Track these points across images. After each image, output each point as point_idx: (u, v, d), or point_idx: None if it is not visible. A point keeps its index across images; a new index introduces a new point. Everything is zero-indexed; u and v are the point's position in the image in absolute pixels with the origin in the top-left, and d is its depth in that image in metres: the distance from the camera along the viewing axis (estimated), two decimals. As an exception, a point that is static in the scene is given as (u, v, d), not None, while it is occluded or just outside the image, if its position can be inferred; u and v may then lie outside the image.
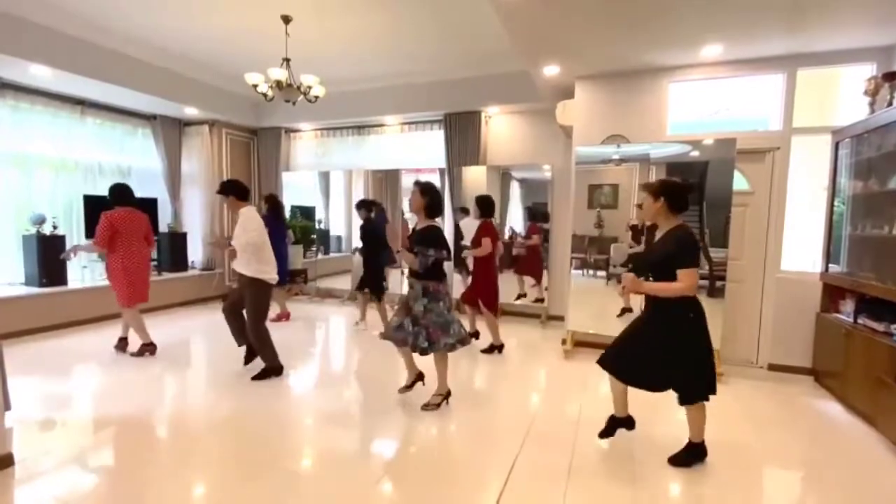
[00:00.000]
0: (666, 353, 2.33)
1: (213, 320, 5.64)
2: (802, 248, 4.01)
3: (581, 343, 4.53)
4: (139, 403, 3.17)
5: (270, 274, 3.60)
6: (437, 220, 3.04)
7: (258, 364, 3.68)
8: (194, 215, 6.85)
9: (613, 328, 4.31)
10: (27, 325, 4.70)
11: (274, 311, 5.66)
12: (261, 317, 3.62)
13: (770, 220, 4.02)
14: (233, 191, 3.63)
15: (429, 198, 2.94)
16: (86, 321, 5.17)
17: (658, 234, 2.43)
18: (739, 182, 4.05)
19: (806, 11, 3.11)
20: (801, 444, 2.84)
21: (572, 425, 2.92)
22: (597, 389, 3.55)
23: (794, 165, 3.93)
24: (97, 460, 2.49)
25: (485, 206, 4.40)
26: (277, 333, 5.06)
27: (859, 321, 3.28)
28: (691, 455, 2.47)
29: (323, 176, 7.68)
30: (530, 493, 2.22)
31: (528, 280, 5.93)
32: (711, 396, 2.39)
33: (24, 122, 5.13)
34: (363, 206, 5.14)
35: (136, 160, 6.33)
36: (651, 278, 2.37)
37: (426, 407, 3.08)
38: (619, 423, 2.66)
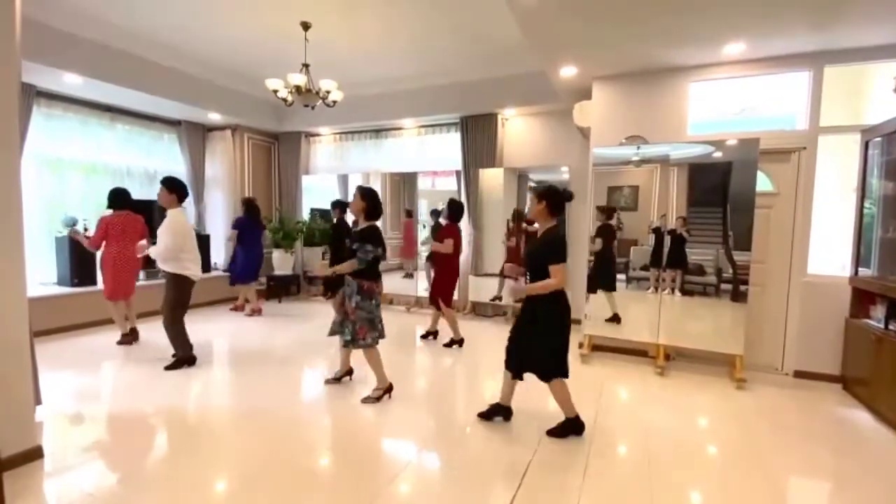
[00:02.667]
0: (530, 340, 2.67)
1: (235, 320, 5.77)
2: (830, 251, 3.88)
3: (598, 347, 4.48)
4: (164, 400, 3.26)
5: (191, 270, 3.76)
6: (377, 222, 3.24)
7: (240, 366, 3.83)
8: (217, 218, 7.03)
9: (632, 332, 4.26)
10: (59, 323, 4.90)
11: (247, 306, 6.05)
12: (175, 309, 3.78)
13: (796, 222, 3.90)
14: (177, 189, 3.75)
15: (368, 201, 3.17)
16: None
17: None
18: (763, 183, 3.95)
19: (833, 6, 3.02)
20: (828, 454, 2.74)
21: (588, 428, 2.88)
22: (613, 394, 3.50)
23: (822, 166, 3.81)
24: (124, 454, 2.57)
25: (452, 209, 4.62)
26: (287, 332, 5.18)
27: (891, 327, 3.16)
28: (566, 429, 2.74)
29: (341, 179, 7.78)
30: (544, 495, 2.20)
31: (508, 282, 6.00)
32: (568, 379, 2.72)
33: (57, 128, 5.36)
34: (336, 205, 5.34)
35: (162, 164, 6.52)
36: (528, 273, 2.72)
37: (366, 400, 3.23)
38: (499, 409, 2.95)
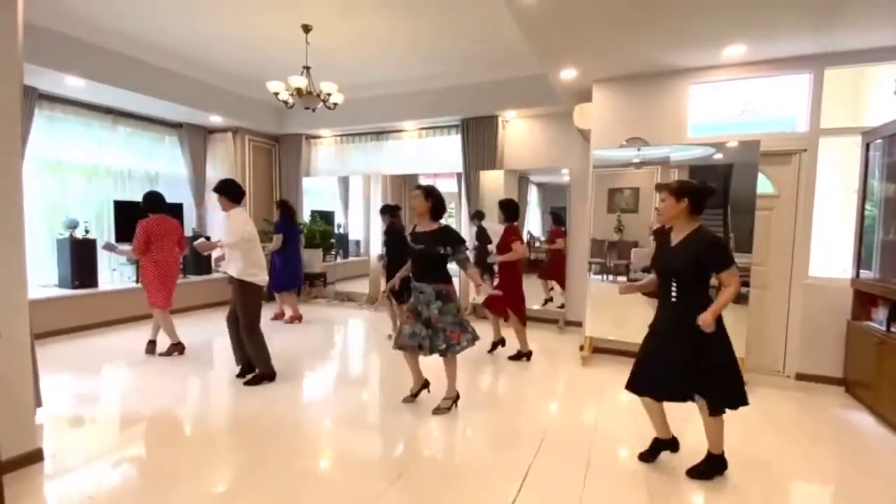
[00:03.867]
0: (699, 362, 2.25)
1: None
2: (832, 254, 3.87)
3: (599, 349, 4.47)
4: (164, 402, 3.26)
5: (259, 276, 3.57)
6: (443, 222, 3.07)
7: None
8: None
9: (633, 335, 4.22)
10: (60, 325, 4.90)
11: (286, 313, 5.85)
12: (253, 319, 3.59)
13: (797, 225, 3.89)
14: (225, 191, 3.57)
15: (434, 201, 2.98)
16: (115, 322, 5.36)
17: (674, 238, 2.37)
18: (764, 185, 3.94)
19: (833, 9, 3.02)
20: (831, 457, 2.72)
21: (588, 433, 2.88)
22: (614, 397, 3.49)
23: (823, 168, 3.80)
24: (123, 457, 2.56)
25: (510, 210, 4.32)
26: (291, 335, 5.18)
27: (892, 329, 3.15)
28: (711, 467, 2.39)
29: (342, 181, 7.80)
30: (546, 497, 2.19)
31: (551, 284, 5.90)
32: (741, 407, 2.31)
33: (59, 130, 5.38)
34: (387, 211, 5.11)
35: (163, 166, 6.55)
36: (675, 283, 2.33)
37: (437, 411, 3.09)
38: (663, 445, 2.55)
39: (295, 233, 5.78)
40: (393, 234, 4.94)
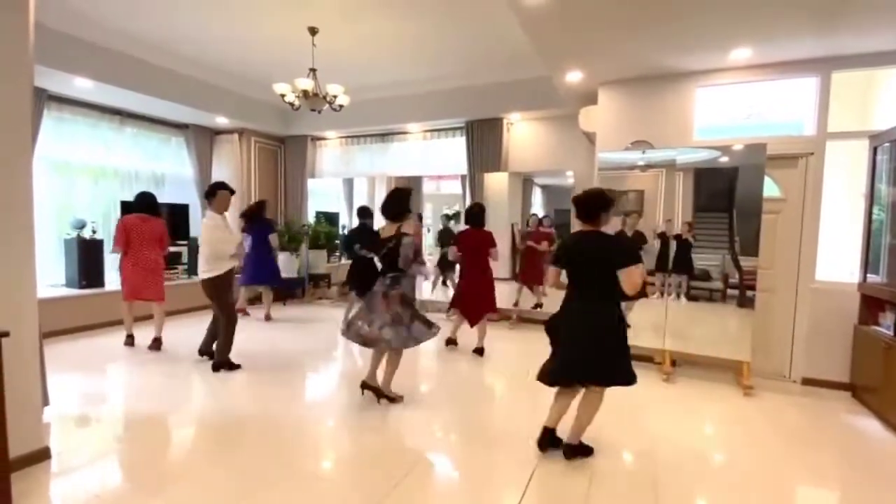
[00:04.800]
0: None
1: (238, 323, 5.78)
2: (839, 258, 3.85)
3: (604, 352, 4.45)
4: (168, 402, 3.28)
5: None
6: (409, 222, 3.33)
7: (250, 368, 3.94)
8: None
9: (638, 338, 4.21)
10: (67, 324, 4.93)
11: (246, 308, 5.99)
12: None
13: (804, 228, 3.87)
14: (205, 194, 3.98)
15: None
16: (121, 321, 5.36)
17: None
18: (770, 188, 3.93)
19: (833, 12, 3.00)
20: (837, 462, 2.70)
21: (592, 434, 2.86)
22: (617, 399, 3.47)
23: (830, 171, 3.79)
24: (129, 456, 2.58)
25: (469, 214, 4.51)
26: (293, 335, 5.19)
27: (900, 334, 3.13)
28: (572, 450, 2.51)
29: (347, 182, 7.82)
30: (550, 502, 2.18)
31: (542, 289, 5.91)
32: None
33: (67, 131, 5.43)
34: (359, 213, 5.25)
35: (169, 167, 6.58)
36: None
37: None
38: (551, 436, 2.62)
39: (263, 231, 5.72)
40: (358, 233, 5.10)
